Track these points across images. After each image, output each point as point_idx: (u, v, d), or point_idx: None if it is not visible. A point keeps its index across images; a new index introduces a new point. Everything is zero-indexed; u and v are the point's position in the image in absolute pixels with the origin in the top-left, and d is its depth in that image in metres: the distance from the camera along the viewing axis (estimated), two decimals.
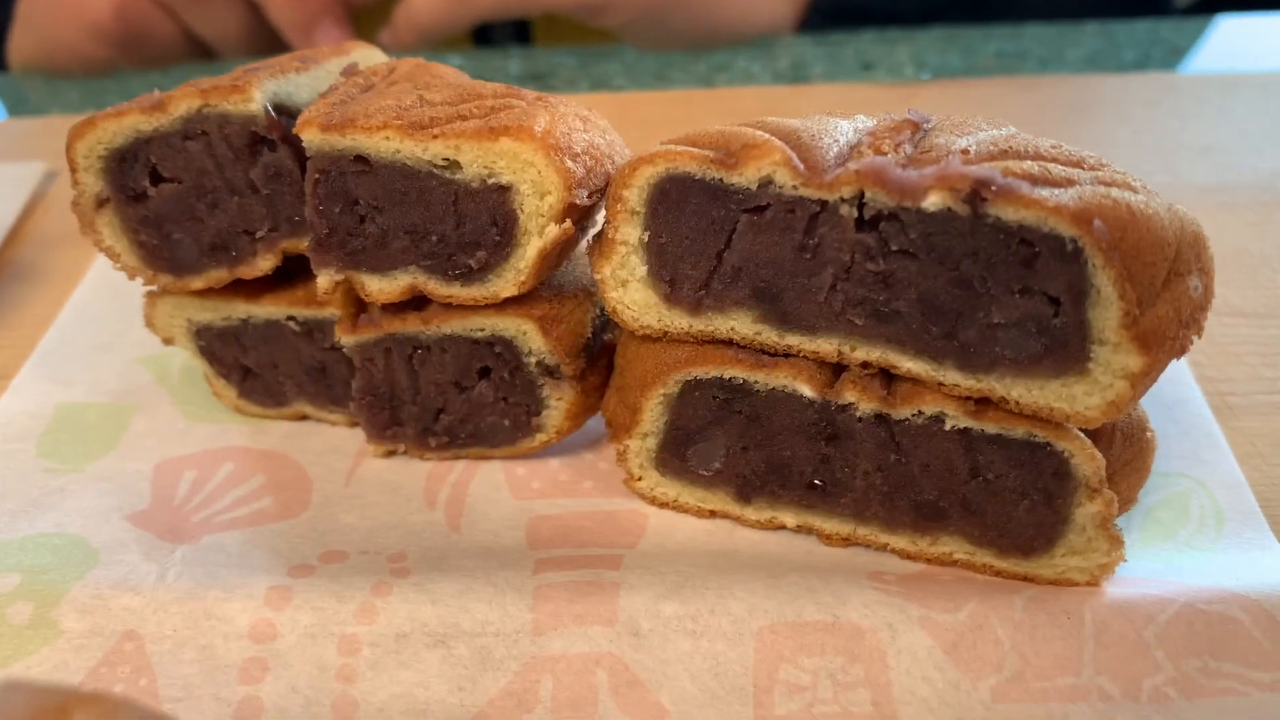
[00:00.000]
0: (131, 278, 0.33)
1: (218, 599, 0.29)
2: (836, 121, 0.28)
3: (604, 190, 0.30)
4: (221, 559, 0.31)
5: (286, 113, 0.31)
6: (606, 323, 0.32)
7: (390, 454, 0.34)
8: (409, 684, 0.28)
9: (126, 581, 0.30)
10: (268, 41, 0.62)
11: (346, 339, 0.32)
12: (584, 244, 0.32)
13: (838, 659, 0.28)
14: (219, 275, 0.32)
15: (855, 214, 0.26)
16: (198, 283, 0.32)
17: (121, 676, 0.28)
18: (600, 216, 0.30)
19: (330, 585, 0.30)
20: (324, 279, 0.31)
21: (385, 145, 0.29)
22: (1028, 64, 0.60)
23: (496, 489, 0.33)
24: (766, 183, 0.26)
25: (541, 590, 0.29)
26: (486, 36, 0.69)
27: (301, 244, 0.31)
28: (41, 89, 0.62)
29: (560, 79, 0.61)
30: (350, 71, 0.32)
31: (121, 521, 0.32)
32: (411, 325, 0.31)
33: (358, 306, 0.32)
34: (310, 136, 0.29)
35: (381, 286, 0.30)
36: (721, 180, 0.27)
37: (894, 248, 0.26)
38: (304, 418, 0.35)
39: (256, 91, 0.30)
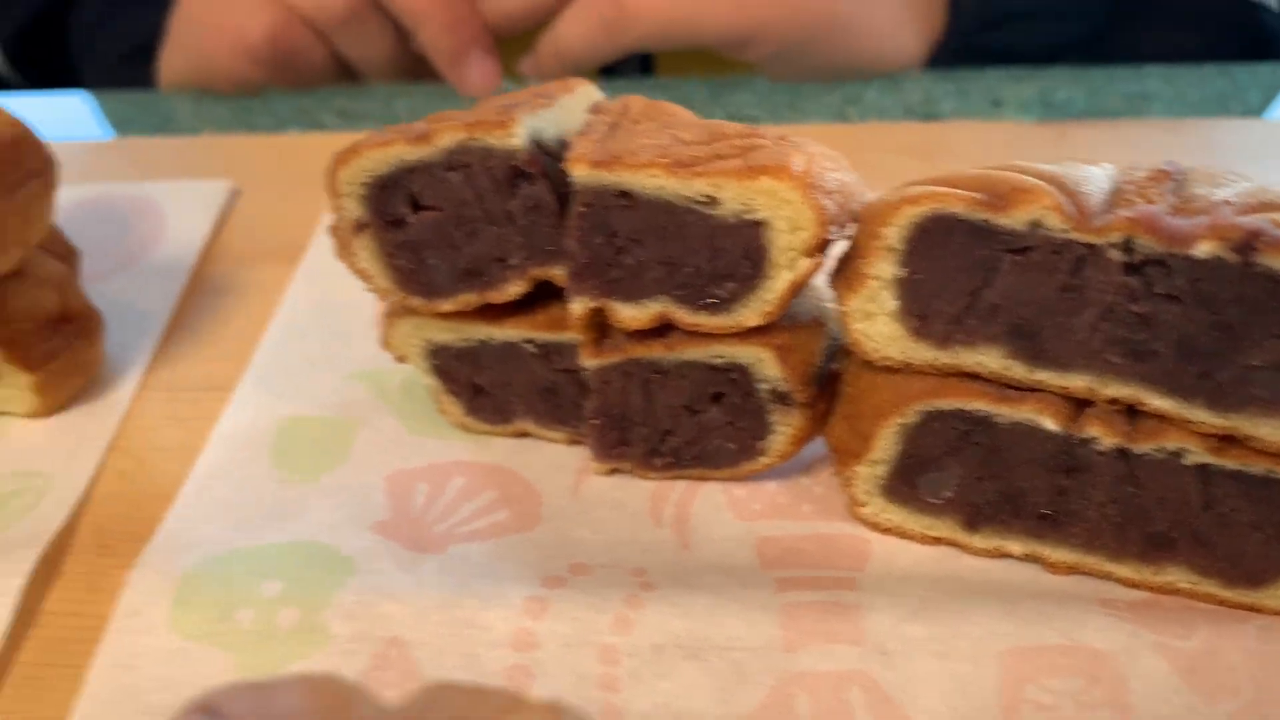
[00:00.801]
0: (383, 300, 0.34)
1: (476, 608, 0.31)
2: (1088, 168, 0.30)
3: (848, 225, 0.31)
4: (471, 569, 0.32)
5: (536, 147, 0.32)
6: (834, 352, 0.34)
7: (613, 472, 0.36)
8: (669, 694, 0.29)
9: (385, 589, 0.31)
10: (411, 68, 0.64)
11: (590, 362, 0.33)
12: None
13: (1078, 680, 0.29)
14: (469, 299, 0.34)
15: (1123, 258, 0.27)
16: (448, 306, 0.34)
17: (390, 681, 0.30)
18: (836, 251, 0.32)
19: (583, 597, 0.31)
20: (578, 305, 0.32)
21: (650, 182, 0.30)
22: (1153, 105, 0.61)
23: (718, 509, 0.35)
24: (1035, 225, 0.28)
25: (788, 609, 0.31)
26: (611, 67, 0.70)
27: (551, 272, 0.33)
28: (189, 107, 0.63)
29: (694, 109, 0.62)
30: (598, 109, 0.34)
31: (366, 531, 0.34)
32: (655, 351, 0.33)
33: (598, 331, 0.33)
34: (580, 172, 0.30)
35: (633, 314, 0.32)
36: (988, 222, 0.28)
37: (1158, 291, 0.27)
38: (525, 435, 0.37)
39: (519, 127, 0.31)
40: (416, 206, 0.33)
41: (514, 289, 0.33)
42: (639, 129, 0.32)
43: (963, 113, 0.61)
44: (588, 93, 0.36)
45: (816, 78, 0.63)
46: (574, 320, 0.32)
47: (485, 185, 0.32)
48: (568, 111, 0.34)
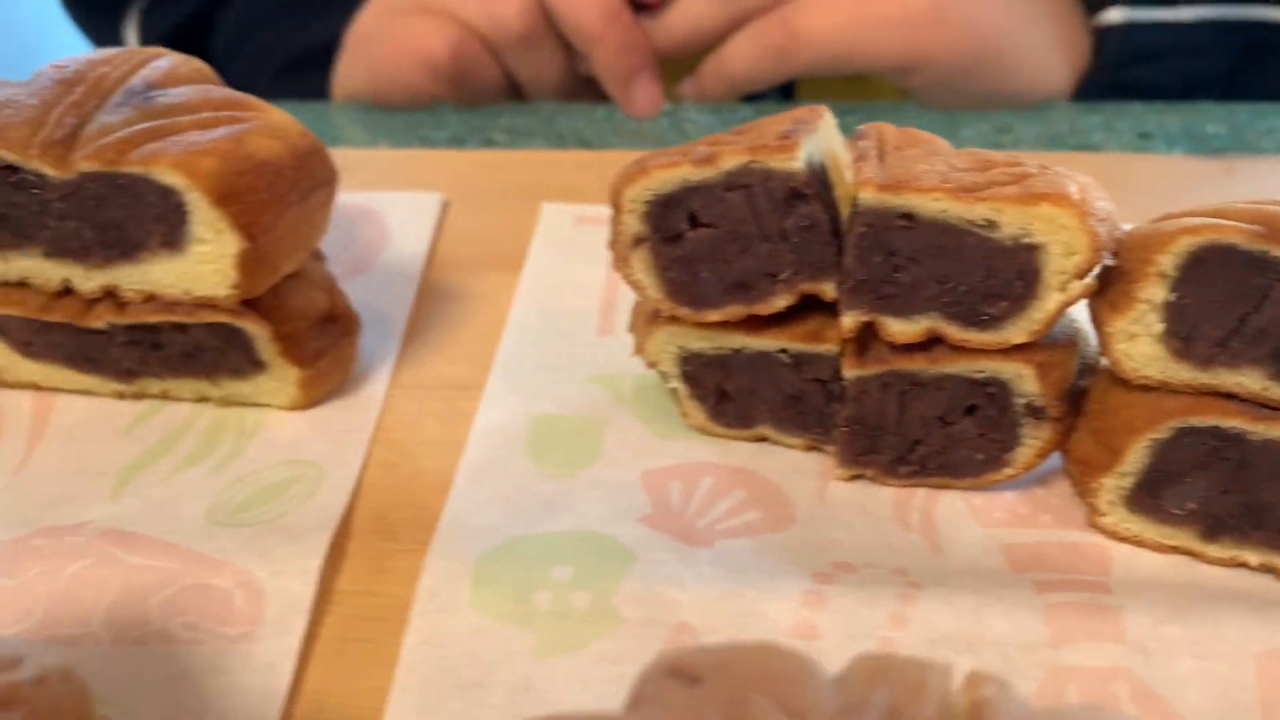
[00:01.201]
0: (651, 309, 0.37)
1: (756, 598, 0.33)
2: None
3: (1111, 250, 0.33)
4: (742, 563, 0.34)
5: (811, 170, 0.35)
6: (1084, 369, 0.36)
7: (855, 478, 0.38)
8: None
9: (668, 578, 0.34)
10: (572, 87, 0.67)
11: (851, 372, 0.35)
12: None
13: None
14: (736, 311, 0.36)
15: None
16: (715, 316, 0.36)
17: None
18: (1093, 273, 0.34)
19: (855, 592, 0.33)
20: (850, 319, 0.34)
21: (934, 205, 0.32)
22: None
23: (961, 516, 0.37)
24: None
25: (1050, 608, 0.33)
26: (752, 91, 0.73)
27: (820, 287, 0.35)
28: (359, 120, 0.66)
29: (846, 134, 0.65)
30: (859, 135, 0.36)
31: (636, 524, 0.36)
32: (917, 364, 0.35)
33: (860, 344, 0.36)
34: (867, 195, 0.33)
35: (903, 328, 0.34)
36: (1265, 253, 0.30)
37: None
38: (763, 440, 0.39)
39: (801, 151, 0.34)
40: (694, 223, 0.35)
41: (781, 302, 0.35)
42: (907, 155, 0.35)
43: (1111, 144, 0.63)
44: (830, 120, 0.38)
45: (968, 105, 0.65)
46: (844, 332, 0.35)
47: (763, 205, 0.34)
48: (824, 137, 0.36)
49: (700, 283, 0.36)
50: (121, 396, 0.42)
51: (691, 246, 0.35)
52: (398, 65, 0.63)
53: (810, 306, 0.36)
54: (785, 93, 0.73)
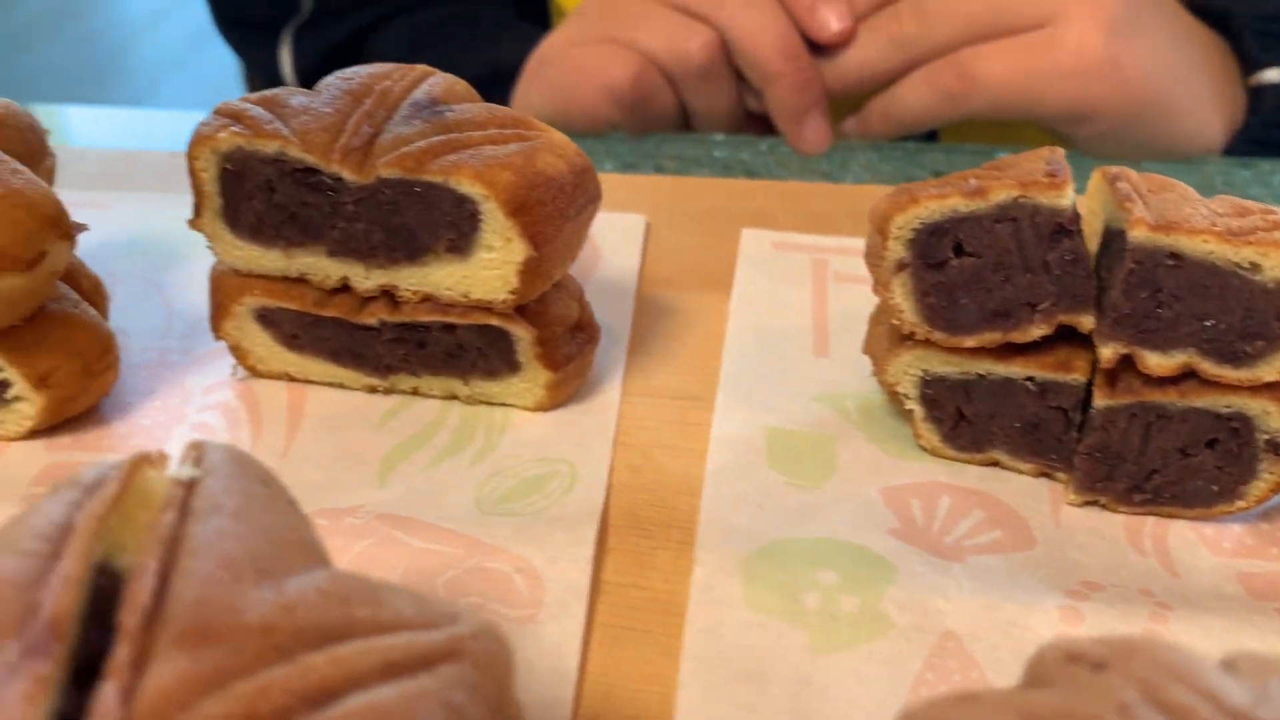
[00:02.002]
0: (905, 332, 0.39)
1: (1016, 611, 0.35)
2: None
3: None
4: (995, 578, 0.36)
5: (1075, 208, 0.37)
6: None
7: (1087, 504, 0.39)
8: None
9: (930, 587, 0.35)
10: (743, 121, 0.69)
11: (1103, 402, 0.37)
12: None
13: None
14: (992, 338, 0.38)
15: None
16: (970, 342, 0.38)
17: (953, 668, 0.34)
18: None
19: (1109, 610, 0.35)
20: (1109, 350, 0.36)
21: (1203, 246, 0.34)
22: None
23: (1193, 544, 0.38)
24: None
25: None
26: None
27: (1076, 319, 0.37)
28: None
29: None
30: (1115, 177, 0.38)
31: (886, 536, 0.38)
32: (1168, 396, 0.37)
33: (1111, 375, 0.37)
34: (1138, 234, 0.35)
35: (1160, 362, 0.36)
36: None
37: None
38: (994, 464, 0.41)
39: (1070, 189, 0.36)
40: (959, 252, 0.37)
41: (1037, 331, 0.37)
42: (1165, 199, 0.36)
43: (1265, 200, 0.65)
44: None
45: (1124, 154, 0.67)
46: (1103, 363, 0.37)
47: (1029, 238, 0.36)
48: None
49: (959, 309, 0.38)
50: (373, 390, 0.44)
51: (954, 274, 0.37)
52: (581, 90, 0.66)
53: (1058, 336, 0.38)
54: (929, 134, 0.75)
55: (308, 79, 0.91)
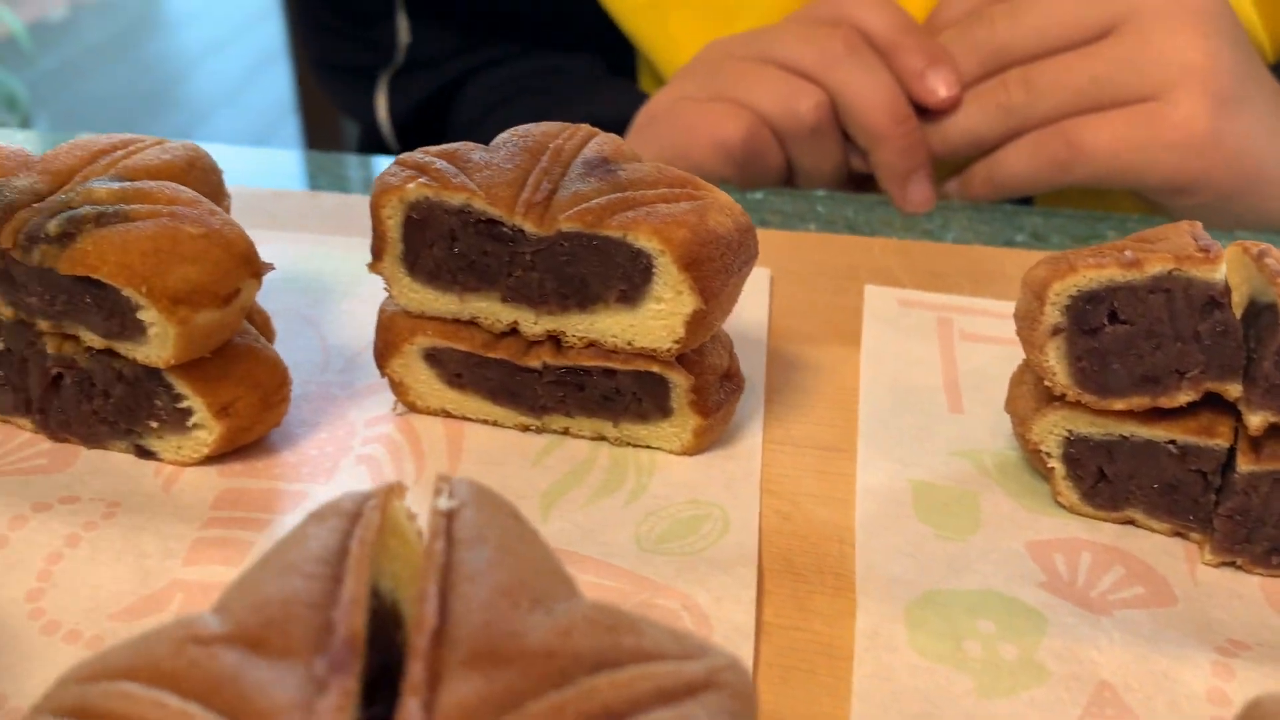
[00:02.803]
0: (1057, 393, 0.41)
1: (1168, 665, 0.36)
2: None
3: None
4: (1143, 631, 0.38)
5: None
6: None
7: (1223, 565, 0.41)
8: None
9: (1083, 638, 0.37)
10: (846, 180, 0.72)
11: (1247, 468, 0.39)
12: None
13: None
14: (1141, 402, 0.40)
15: None
16: (1119, 405, 0.40)
17: (1111, 717, 0.35)
18: None
19: (1259, 666, 0.36)
20: (1258, 419, 0.38)
21: None
22: None
23: None
24: None
25: None
26: None
27: (1223, 387, 0.39)
28: None
29: (1061, 240, 0.68)
30: (1264, 253, 0.40)
31: (1036, 589, 0.39)
32: None
33: (1254, 441, 0.39)
34: None
35: None
36: None
37: None
38: (1129, 522, 0.43)
39: (1223, 264, 0.38)
40: (1113, 319, 0.39)
41: (1184, 398, 0.39)
42: None
43: None
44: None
45: (1221, 225, 0.69)
46: (1252, 431, 0.38)
47: (1181, 308, 0.38)
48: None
49: (1110, 374, 0.39)
50: (525, 429, 0.46)
51: (1107, 340, 0.39)
52: (693, 145, 0.69)
53: (1201, 402, 0.40)
54: (1024, 198, 0.77)
55: (402, 124, 0.94)
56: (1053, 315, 0.40)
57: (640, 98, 0.81)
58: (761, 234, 0.63)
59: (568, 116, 0.79)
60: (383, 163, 0.76)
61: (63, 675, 0.25)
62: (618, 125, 0.74)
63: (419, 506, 0.29)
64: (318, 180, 0.71)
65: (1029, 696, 0.35)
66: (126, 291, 0.39)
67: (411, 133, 0.93)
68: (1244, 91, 0.64)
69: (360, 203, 0.63)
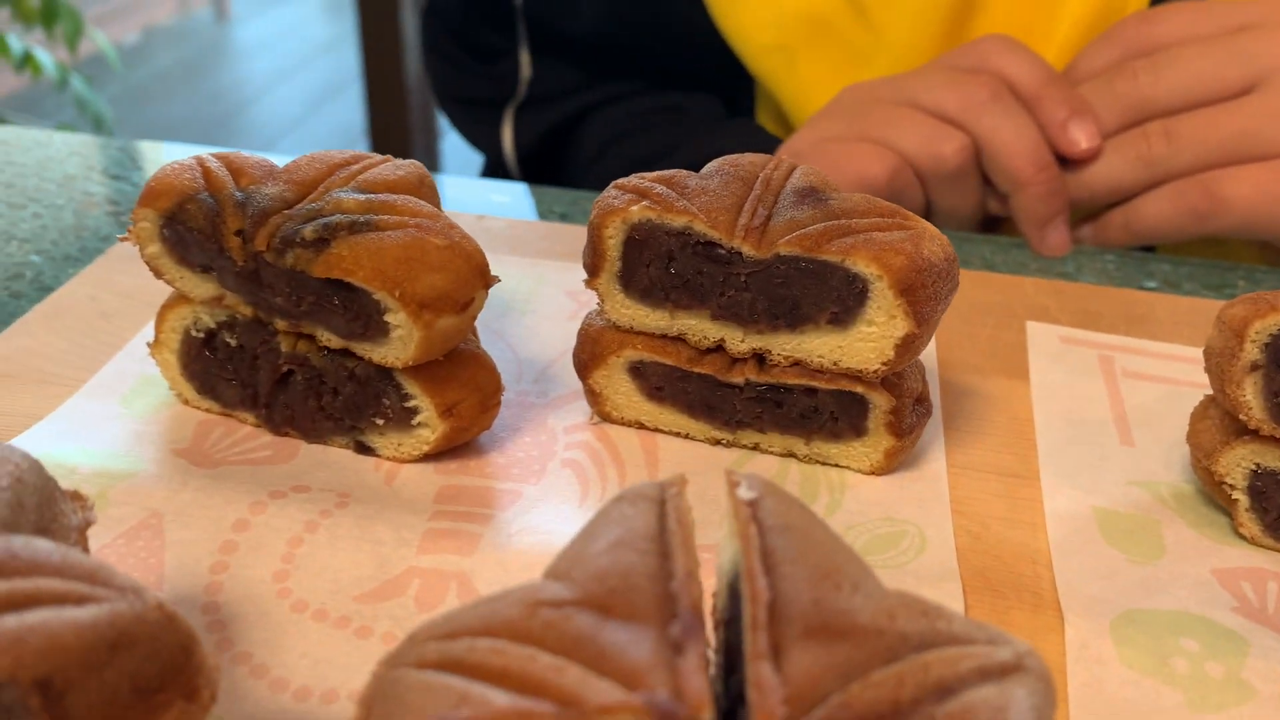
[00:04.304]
0: (1252, 427, 0.42)
1: None
2: None
3: None
4: None
5: None
6: None
7: None
8: None
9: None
10: (980, 223, 0.74)
11: None
12: None
13: None
14: None
15: None
16: None
17: None
18: None
19: None
20: None
21: None
22: None
23: None
24: None
25: None
26: None
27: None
28: None
29: (1229, 292, 0.70)
30: None
31: (1230, 613, 0.41)
32: None
33: None
34: None
35: None
36: None
37: None
38: None
39: None
40: None
41: None
42: None
43: None
44: None
45: None
46: None
47: None
48: None
49: None
50: (717, 443, 0.49)
51: None
52: (838, 183, 0.71)
53: None
54: (1149, 247, 0.79)
55: (525, 156, 0.98)
56: (1252, 352, 0.41)
57: (763, 137, 0.84)
58: None
59: (692, 153, 0.83)
60: (467, 185, 0.79)
61: (411, 634, 0.27)
62: None
63: None
64: None
65: (1237, 712, 0.37)
66: (378, 295, 0.42)
67: (534, 164, 0.97)
68: None
69: (524, 227, 0.66)
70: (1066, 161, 0.69)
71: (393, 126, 2.40)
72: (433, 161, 2.41)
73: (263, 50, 3.69)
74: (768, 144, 0.81)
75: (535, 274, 0.61)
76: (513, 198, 0.77)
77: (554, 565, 0.29)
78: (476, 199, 0.76)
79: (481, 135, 1.00)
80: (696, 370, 0.46)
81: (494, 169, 1.01)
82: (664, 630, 0.26)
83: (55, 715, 0.25)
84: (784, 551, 0.28)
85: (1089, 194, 0.70)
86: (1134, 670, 0.38)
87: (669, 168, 0.47)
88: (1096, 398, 0.52)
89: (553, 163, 0.98)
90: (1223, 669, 0.38)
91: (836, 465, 0.48)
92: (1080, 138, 0.68)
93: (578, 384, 0.50)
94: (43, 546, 0.28)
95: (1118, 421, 0.51)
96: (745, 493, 0.30)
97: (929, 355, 0.55)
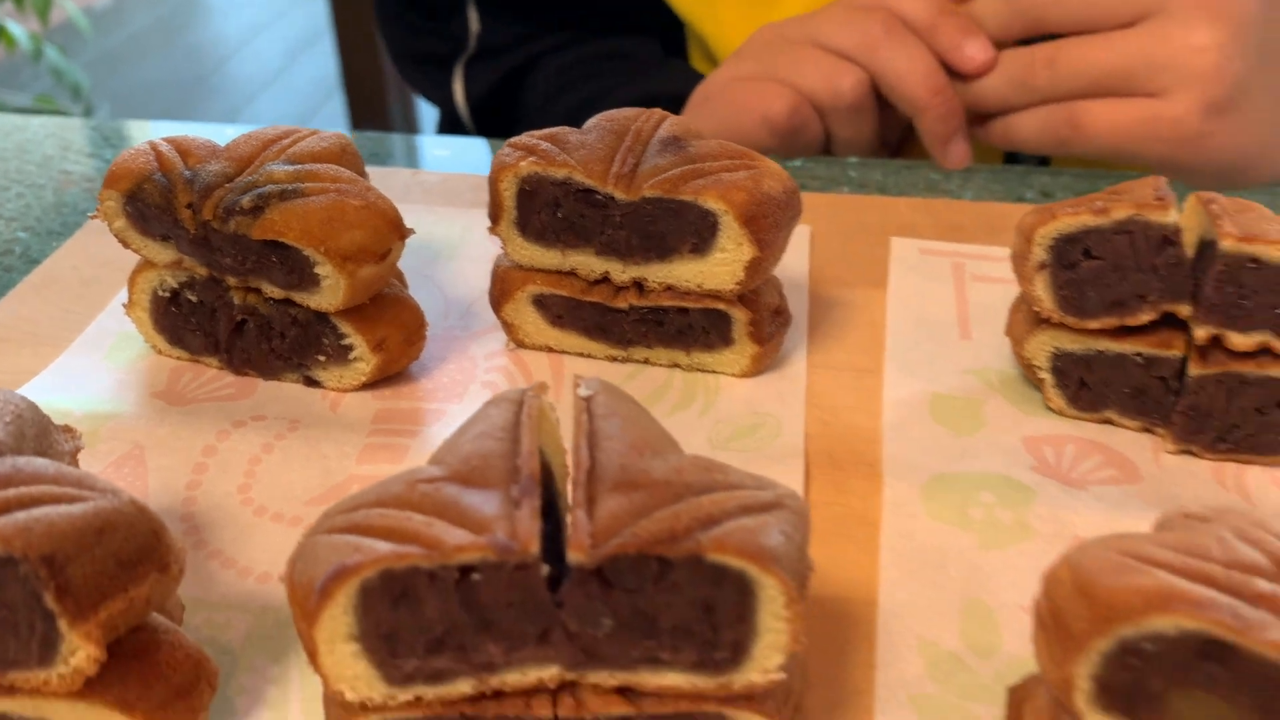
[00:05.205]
0: (1044, 317, 0.51)
1: (1131, 523, 0.46)
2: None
3: None
4: (1114, 501, 0.48)
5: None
6: None
7: (1182, 452, 0.51)
8: None
9: (1065, 506, 0.47)
10: (877, 149, 0.81)
11: (1196, 372, 0.49)
12: None
13: None
14: (1110, 322, 0.49)
15: None
16: (1093, 325, 0.50)
17: None
18: None
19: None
20: (1203, 332, 0.48)
21: (1276, 254, 0.46)
22: None
23: (1265, 485, 0.49)
24: None
25: None
26: (1014, 156, 0.86)
27: (1176, 307, 0.49)
28: None
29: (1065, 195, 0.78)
30: (1210, 200, 0.49)
31: (1028, 471, 0.49)
32: (1247, 367, 0.48)
33: (1201, 351, 0.49)
34: (1228, 244, 0.46)
35: (1242, 340, 0.47)
36: None
37: None
38: (1108, 422, 0.53)
39: (1173, 210, 0.48)
40: (1087, 256, 0.49)
41: (1145, 317, 0.49)
42: (1248, 217, 0.48)
43: None
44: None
45: (1216, 188, 0.77)
46: (1196, 342, 0.48)
47: (1141, 246, 0.48)
48: None
49: (1085, 300, 0.49)
50: (613, 360, 0.57)
51: (1083, 273, 0.49)
52: (742, 120, 0.79)
53: (1161, 321, 0.50)
54: (1043, 159, 0.86)
55: (477, 107, 1.04)
56: (1039, 254, 0.50)
57: (694, 76, 0.91)
58: (803, 196, 0.73)
59: (629, 96, 0.90)
60: (428, 142, 0.86)
61: (326, 510, 0.36)
62: (675, 101, 0.84)
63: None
64: (365, 160, 0.82)
65: (1018, 549, 0.46)
66: (307, 251, 0.50)
67: (487, 115, 1.04)
68: (1248, 91, 0.69)
69: (457, 180, 0.74)
70: (959, 80, 0.76)
71: (366, 79, 2.45)
72: (408, 110, 2.46)
73: (236, 6, 3.71)
74: (696, 82, 0.87)
75: (463, 222, 0.69)
76: (453, 151, 0.84)
77: (435, 454, 0.37)
78: (429, 155, 0.84)
79: (435, 91, 1.07)
80: (588, 299, 0.55)
81: (450, 122, 1.07)
82: (508, 492, 0.34)
83: (59, 583, 0.34)
84: (605, 432, 0.36)
85: (980, 109, 0.77)
86: (938, 521, 0.47)
87: (610, 108, 0.55)
88: (944, 300, 0.61)
89: (505, 112, 1.04)
90: (1011, 515, 0.47)
91: (714, 372, 0.56)
92: (975, 53, 0.74)
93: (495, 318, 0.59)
94: (41, 462, 0.37)
95: (960, 320, 0.59)
96: (584, 391, 0.38)
97: (801, 273, 0.63)
